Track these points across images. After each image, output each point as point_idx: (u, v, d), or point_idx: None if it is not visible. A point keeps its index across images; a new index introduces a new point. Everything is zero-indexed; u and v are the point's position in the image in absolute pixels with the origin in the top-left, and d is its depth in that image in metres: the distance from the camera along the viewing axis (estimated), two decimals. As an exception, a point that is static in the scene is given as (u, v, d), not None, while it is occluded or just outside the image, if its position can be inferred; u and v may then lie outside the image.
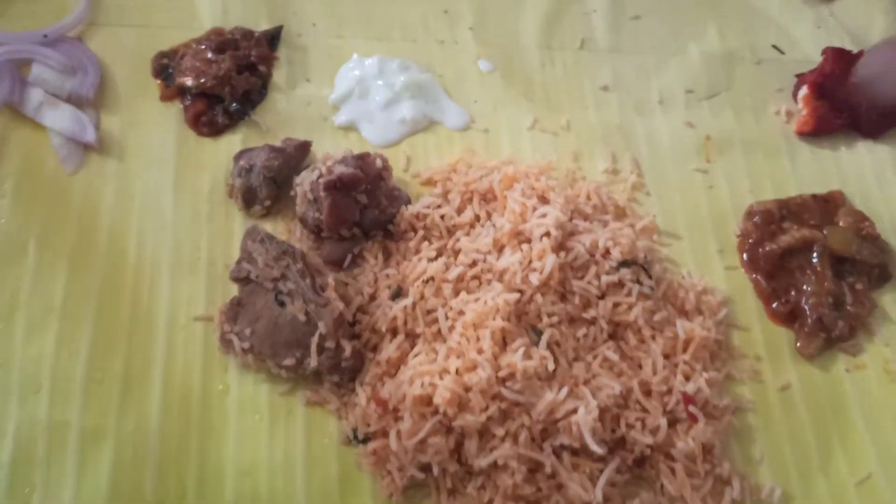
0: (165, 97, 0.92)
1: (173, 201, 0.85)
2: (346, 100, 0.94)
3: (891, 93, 0.95)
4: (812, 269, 0.86)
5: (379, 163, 0.83)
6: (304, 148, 0.87)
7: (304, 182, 0.81)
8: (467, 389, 0.72)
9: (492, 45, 1.01)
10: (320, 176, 0.79)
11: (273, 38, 0.97)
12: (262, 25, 0.98)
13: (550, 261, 0.77)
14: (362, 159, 0.82)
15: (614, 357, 0.77)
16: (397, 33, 1.01)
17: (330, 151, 0.83)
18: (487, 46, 1.01)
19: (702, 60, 1.02)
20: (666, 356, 0.79)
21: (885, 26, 1.07)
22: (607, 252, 0.81)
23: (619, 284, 0.80)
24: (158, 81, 0.93)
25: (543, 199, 0.85)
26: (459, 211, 0.86)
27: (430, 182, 0.90)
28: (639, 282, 0.80)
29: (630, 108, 0.98)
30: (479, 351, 0.73)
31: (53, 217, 0.83)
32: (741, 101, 1.00)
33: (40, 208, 0.83)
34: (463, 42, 1.01)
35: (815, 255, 0.87)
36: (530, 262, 0.78)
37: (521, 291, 0.77)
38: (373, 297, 0.80)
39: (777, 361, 0.83)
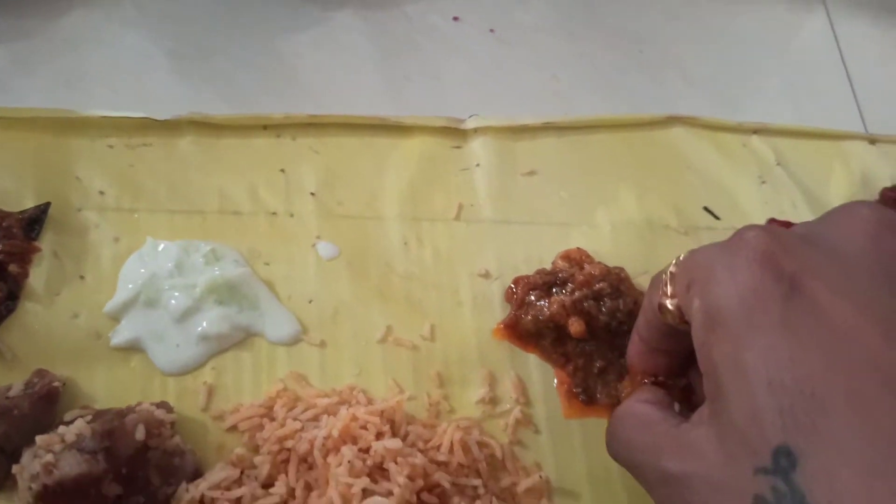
0: None
1: None
2: (128, 309, 0.69)
3: None
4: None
5: (140, 433, 0.58)
6: (47, 400, 0.62)
7: (23, 473, 0.56)
8: None
9: (338, 218, 0.77)
10: (35, 476, 0.54)
11: (34, 221, 0.72)
12: (25, 201, 0.73)
13: None
14: (110, 435, 0.57)
15: None
16: (214, 203, 0.76)
17: (61, 428, 0.58)
18: (332, 220, 0.76)
19: (612, 233, 0.79)
20: None
21: (846, 178, 0.84)
22: (462, 564, 0.57)
23: None
24: None
25: (381, 473, 0.60)
26: (268, 483, 0.62)
27: (235, 430, 0.65)
28: None
29: (517, 303, 0.74)
30: None
31: None
32: (663, 288, 0.77)
33: None
34: (301, 214, 0.76)
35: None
36: None
37: None
38: None
39: None
